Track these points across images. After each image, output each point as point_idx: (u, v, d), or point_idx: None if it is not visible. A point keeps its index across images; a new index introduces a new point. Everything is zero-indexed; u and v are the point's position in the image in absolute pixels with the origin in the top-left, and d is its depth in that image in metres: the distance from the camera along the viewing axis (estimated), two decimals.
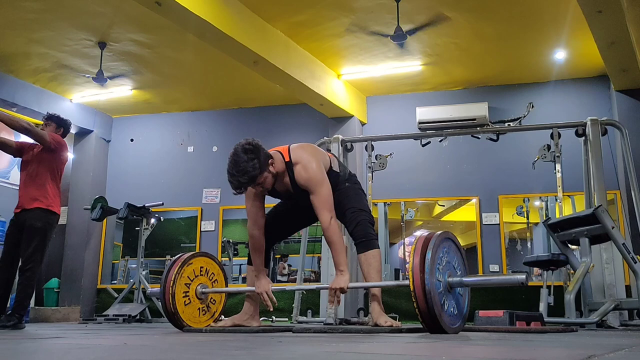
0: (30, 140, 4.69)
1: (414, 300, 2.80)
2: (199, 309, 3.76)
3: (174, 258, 3.75)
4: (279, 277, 7.97)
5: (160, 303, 6.59)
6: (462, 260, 3.14)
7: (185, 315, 3.62)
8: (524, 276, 2.83)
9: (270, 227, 3.63)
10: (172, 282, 3.58)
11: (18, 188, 4.70)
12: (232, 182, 3.26)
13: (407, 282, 2.87)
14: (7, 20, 6.00)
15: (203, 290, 3.76)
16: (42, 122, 4.86)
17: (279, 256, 8.14)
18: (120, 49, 6.65)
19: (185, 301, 3.65)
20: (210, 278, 3.87)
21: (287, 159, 3.44)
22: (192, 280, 3.73)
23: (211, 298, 3.86)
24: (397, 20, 5.85)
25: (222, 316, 4.01)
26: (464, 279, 3.02)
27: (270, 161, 3.35)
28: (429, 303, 2.76)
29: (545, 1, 5.66)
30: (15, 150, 4.77)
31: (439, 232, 3.01)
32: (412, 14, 5.91)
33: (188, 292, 3.69)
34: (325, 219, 3.33)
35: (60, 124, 4.78)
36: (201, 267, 3.80)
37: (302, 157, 3.43)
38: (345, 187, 3.59)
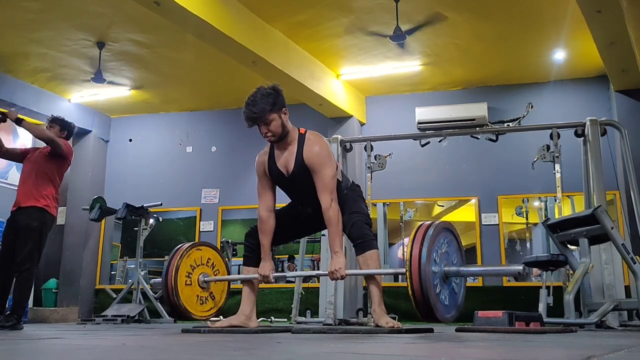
0: (29, 145, 4.74)
1: (408, 287, 2.79)
2: (197, 295, 3.74)
3: (181, 245, 3.75)
4: (288, 278, 7.95)
5: (159, 303, 6.62)
6: (459, 251, 3.15)
7: (183, 295, 3.60)
8: (521, 267, 2.84)
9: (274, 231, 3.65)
10: (179, 257, 3.60)
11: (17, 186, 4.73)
12: (244, 113, 3.45)
13: (403, 269, 2.87)
14: (5, 20, 5.99)
15: (205, 279, 3.76)
16: (43, 123, 4.88)
17: (287, 256, 8.13)
18: (119, 49, 6.64)
19: (186, 281, 3.65)
20: (215, 273, 3.87)
21: (301, 132, 3.51)
22: (197, 266, 3.74)
23: (211, 292, 3.85)
24: (397, 20, 5.84)
25: (221, 316, 4.00)
26: (461, 268, 3.03)
27: (284, 110, 3.45)
28: (424, 291, 2.76)
29: (545, 1, 5.65)
30: (20, 156, 4.85)
31: (438, 222, 3.03)
32: (411, 14, 5.91)
33: (191, 274, 3.69)
34: (326, 200, 3.35)
35: (64, 127, 4.80)
36: (208, 259, 3.82)
37: (318, 137, 3.51)
38: (344, 193, 3.61)
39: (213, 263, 3.85)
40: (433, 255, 2.85)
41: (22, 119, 4.49)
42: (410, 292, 2.80)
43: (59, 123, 4.80)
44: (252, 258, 3.68)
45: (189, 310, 3.61)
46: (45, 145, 4.70)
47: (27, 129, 4.49)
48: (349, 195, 3.60)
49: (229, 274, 4.00)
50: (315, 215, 3.47)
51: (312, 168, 3.40)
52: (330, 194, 3.35)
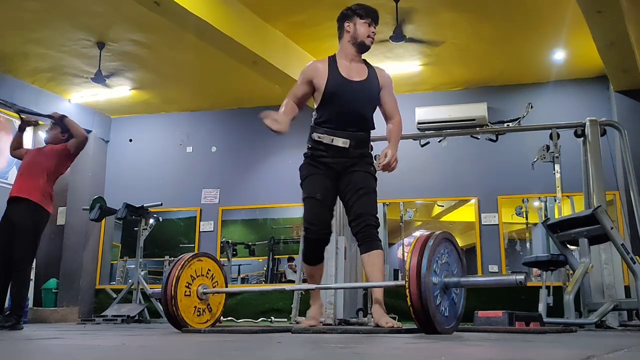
0: (28, 146, 4.90)
1: (408, 299, 2.78)
2: (195, 307, 3.75)
3: (182, 256, 3.76)
4: (289, 277, 7.97)
5: (159, 304, 6.62)
6: (459, 261, 3.13)
7: (182, 305, 3.60)
8: (522, 276, 2.81)
9: (323, 216, 3.58)
10: (180, 267, 3.60)
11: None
12: (367, 7, 3.71)
13: (403, 282, 2.86)
14: (5, 19, 5.99)
15: (204, 290, 3.76)
16: (43, 123, 4.96)
17: (287, 257, 8.13)
18: (119, 49, 6.64)
19: (186, 292, 3.65)
20: (213, 284, 3.87)
21: None
22: (197, 277, 3.74)
23: (208, 304, 3.85)
24: (396, 20, 5.85)
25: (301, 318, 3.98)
26: (461, 279, 3.02)
27: None
28: (424, 303, 2.74)
29: (545, 1, 5.66)
30: (22, 155, 4.94)
31: (438, 232, 3.00)
32: (411, 14, 5.91)
33: (191, 284, 3.69)
34: (398, 116, 3.76)
35: (65, 129, 4.85)
36: (208, 270, 3.82)
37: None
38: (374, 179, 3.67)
39: (212, 275, 3.86)
40: (433, 267, 2.84)
41: (65, 116, 4.91)
42: (409, 304, 2.79)
43: (60, 125, 4.85)
44: (313, 258, 3.65)
45: (186, 321, 3.63)
46: (49, 144, 4.83)
47: (69, 125, 4.81)
48: (373, 188, 3.62)
49: (226, 286, 4.01)
50: (343, 169, 3.52)
51: (387, 86, 3.66)
52: (399, 113, 3.76)
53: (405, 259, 2.89)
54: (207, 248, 7.76)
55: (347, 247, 5.96)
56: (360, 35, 3.63)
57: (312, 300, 3.82)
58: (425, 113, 7.33)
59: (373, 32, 3.64)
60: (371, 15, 3.64)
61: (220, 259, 7.42)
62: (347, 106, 3.57)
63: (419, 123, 7.31)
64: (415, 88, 7.68)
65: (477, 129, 6.31)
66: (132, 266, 7.80)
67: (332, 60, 3.70)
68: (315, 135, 3.63)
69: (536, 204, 7.39)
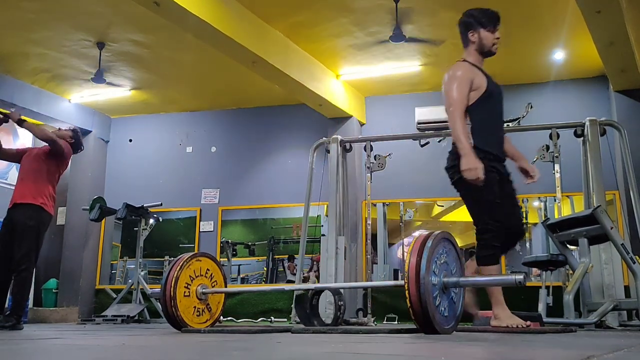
0: (28, 145, 4.87)
1: (408, 299, 2.79)
2: (195, 307, 3.75)
3: (181, 256, 3.76)
4: (289, 277, 7.97)
5: (159, 304, 6.63)
6: (458, 261, 3.13)
7: (181, 306, 3.60)
8: (521, 276, 2.81)
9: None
10: (179, 267, 3.60)
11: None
12: (489, 10, 3.57)
13: (402, 282, 2.86)
14: (5, 20, 5.99)
15: (203, 290, 3.77)
16: (43, 123, 4.98)
17: (287, 256, 8.13)
18: (119, 49, 6.64)
19: (185, 292, 3.65)
20: (213, 284, 3.87)
21: None
22: (196, 277, 3.75)
23: (208, 304, 3.86)
24: (396, 20, 5.85)
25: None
26: (460, 279, 3.02)
27: None
28: (423, 303, 2.75)
29: (545, 1, 5.66)
30: (16, 156, 4.91)
31: (437, 232, 3.00)
32: (410, 15, 5.91)
33: (190, 285, 3.70)
34: None
35: (73, 137, 4.90)
36: (207, 270, 3.82)
37: None
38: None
39: (212, 274, 3.86)
40: (432, 267, 2.84)
41: (24, 120, 4.60)
42: (409, 304, 2.79)
43: (72, 130, 4.94)
44: (494, 256, 3.44)
45: (186, 321, 3.63)
46: (45, 144, 4.74)
47: (28, 130, 4.60)
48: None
49: (226, 286, 4.02)
50: (505, 174, 3.53)
51: None
52: None
53: (405, 259, 2.89)
54: (207, 248, 7.76)
55: (347, 247, 5.96)
56: (487, 45, 3.60)
57: (500, 301, 3.41)
58: (425, 113, 7.32)
59: (497, 38, 3.56)
60: (493, 21, 3.54)
61: (220, 259, 7.44)
62: (499, 107, 3.63)
63: (418, 123, 7.29)
64: (414, 88, 7.67)
65: None
66: (132, 266, 7.81)
67: (472, 64, 3.62)
68: (484, 144, 3.47)
69: (536, 204, 7.39)
